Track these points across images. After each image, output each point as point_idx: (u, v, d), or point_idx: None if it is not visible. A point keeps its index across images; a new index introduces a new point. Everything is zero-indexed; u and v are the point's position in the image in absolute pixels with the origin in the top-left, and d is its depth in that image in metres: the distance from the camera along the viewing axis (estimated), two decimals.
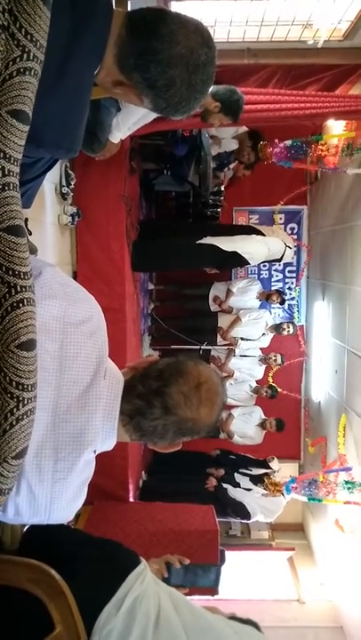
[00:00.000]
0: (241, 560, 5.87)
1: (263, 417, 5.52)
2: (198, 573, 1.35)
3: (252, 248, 4.55)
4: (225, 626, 1.16)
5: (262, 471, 5.31)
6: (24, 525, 1.12)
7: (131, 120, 2.83)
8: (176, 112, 1.00)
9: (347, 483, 4.13)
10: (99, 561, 1.11)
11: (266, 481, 5.04)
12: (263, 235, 4.76)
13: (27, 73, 0.75)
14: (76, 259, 3.81)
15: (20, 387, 0.76)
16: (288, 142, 4.03)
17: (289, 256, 4.97)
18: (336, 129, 4.40)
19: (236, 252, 4.45)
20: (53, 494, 0.87)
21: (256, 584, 5.84)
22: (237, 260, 4.60)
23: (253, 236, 4.68)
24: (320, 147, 4.01)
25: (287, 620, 5.15)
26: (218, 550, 3.83)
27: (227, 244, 4.45)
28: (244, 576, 5.76)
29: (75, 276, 3.79)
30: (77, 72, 0.91)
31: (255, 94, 3.35)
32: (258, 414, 5.54)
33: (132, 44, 0.92)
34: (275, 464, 5.47)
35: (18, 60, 0.74)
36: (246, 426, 5.49)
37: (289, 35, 3.71)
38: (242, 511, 4.80)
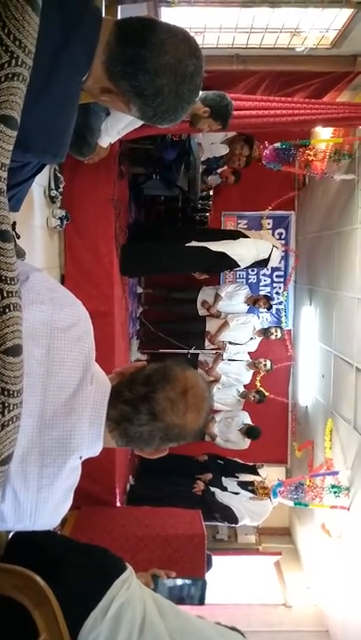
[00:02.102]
0: (228, 564, 5.86)
1: (247, 422, 5.50)
2: (184, 589, 1.36)
3: (241, 250, 4.58)
4: (210, 628, 1.16)
5: (250, 478, 5.31)
6: (9, 531, 1.11)
7: (120, 125, 2.83)
8: (163, 120, 1.01)
9: (333, 487, 4.16)
10: (84, 567, 1.10)
11: (256, 484, 5.05)
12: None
13: (15, 79, 0.74)
14: (64, 262, 3.80)
15: (6, 392, 0.75)
16: (277, 145, 4.06)
17: (277, 257, 4.99)
18: (324, 135, 4.45)
19: (225, 254, 4.48)
20: (39, 500, 0.87)
21: (243, 588, 5.84)
22: (227, 263, 4.63)
23: (241, 239, 4.70)
24: (308, 151, 4.05)
25: (273, 624, 5.16)
26: (205, 555, 3.83)
27: (214, 246, 4.48)
28: (231, 580, 5.76)
29: (63, 280, 3.77)
30: (65, 78, 0.92)
31: (244, 100, 3.38)
32: (241, 419, 5.52)
33: (121, 51, 0.93)
34: (263, 471, 5.48)
35: (6, 65, 0.73)
36: (228, 430, 5.50)
37: (278, 41, 3.74)
38: (229, 515, 4.80)
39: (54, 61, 0.87)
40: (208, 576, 3.88)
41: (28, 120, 0.81)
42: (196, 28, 3.56)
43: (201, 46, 0.98)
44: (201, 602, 1.37)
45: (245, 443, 5.48)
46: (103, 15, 0.97)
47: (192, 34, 0.99)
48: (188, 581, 1.37)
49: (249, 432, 5.35)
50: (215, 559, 4.26)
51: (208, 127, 3.06)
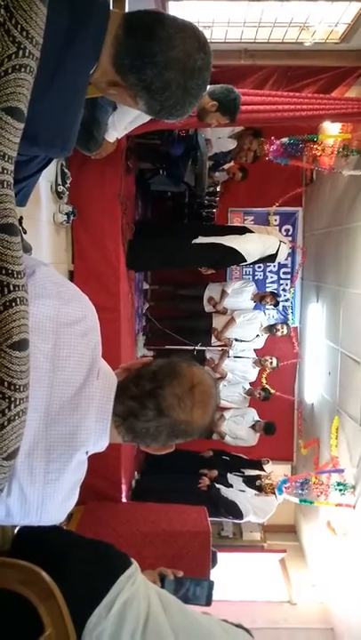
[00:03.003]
0: (233, 561, 5.87)
1: (257, 419, 5.52)
2: (190, 589, 1.35)
3: (248, 245, 4.57)
4: (215, 625, 1.16)
5: (255, 473, 5.31)
6: (15, 526, 1.11)
7: (127, 119, 2.82)
8: (170, 115, 1.00)
9: (339, 484, 4.15)
10: (90, 562, 1.10)
11: (262, 481, 5.04)
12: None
13: (22, 70, 0.74)
14: (71, 257, 3.80)
15: (12, 387, 0.75)
16: (285, 140, 4.04)
17: (284, 252, 4.96)
18: (332, 130, 4.42)
19: (231, 249, 4.47)
20: (45, 495, 0.87)
21: (248, 585, 5.85)
22: (233, 258, 4.61)
23: (247, 234, 4.69)
24: (315, 146, 4.02)
25: (278, 622, 5.16)
26: (210, 552, 3.83)
27: (221, 241, 4.46)
28: (236, 577, 5.77)
29: (71, 275, 3.78)
30: (73, 71, 0.91)
31: (252, 95, 3.36)
32: (251, 416, 5.54)
33: (130, 45, 0.92)
34: (268, 467, 5.47)
35: (13, 56, 0.73)
36: (238, 427, 5.50)
37: (286, 36, 3.71)
38: (235, 511, 4.80)
39: (62, 53, 0.87)
40: (213, 573, 3.89)
41: (36, 112, 0.80)
42: (204, 23, 3.54)
43: (209, 41, 0.98)
44: (208, 603, 1.37)
45: (255, 438, 5.48)
46: (111, 8, 0.96)
47: (200, 28, 0.98)
48: (194, 581, 1.37)
49: (267, 428, 5.36)
50: (220, 556, 4.26)
51: (216, 121, 3.04)
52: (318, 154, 4.06)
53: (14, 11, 0.72)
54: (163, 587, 1.30)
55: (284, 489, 4.36)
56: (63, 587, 0.98)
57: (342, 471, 4.35)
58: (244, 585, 5.82)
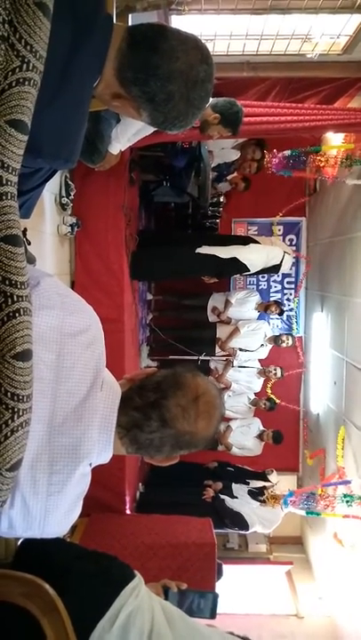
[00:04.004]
0: (238, 574, 5.80)
1: (262, 428, 5.49)
2: (194, 602, 1.34)
3: (251, 255, 4.58)
4: (219, 637, 1.15)
5: (260, 484, 5.27)
6: (18, 538, 1.10)
7: (130, 131, 2.85)
8: (173, 126, 1.01)
9: (345, 496, 4.10)
10: (93, 575, 1.09)
11: (266, 494, 5.00)
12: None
13: (26, 83, 0.75)
14: (74, 269, 3.81)
15: (16, 398, 0.75)
16: (287, 152, 4.06)
17: (288, 263, 4.97)
18: (335, 141, 4.43)
19: (235, 259, 4.48)
20: (48, 508, 0.86)
21: (254, 598, 5.77)
22: (237, 267, 4.62)
23: (251, 244, 4.70)
24: (318, 158, 4.04)
25: (285, 635, 5.09)
26: (215, 564, 3.79)
27: (225, 251, 4.47)
28: (242, 590, 5.70)
29: (72, 286, 3.79)
30: (77, 83, 0.92)
31: (254, 107, 3.38)
32: (256, 426, 5.51)
33: (133, 57, 0.93)
34: (273, 477, 5.43)
35: (17, 70, 0.74)
36: (245, 438, 5.47)
37: (288, 48, 3.74)
38: (240, 522, 4.76)
39: (66, 67, 0.88)
40: (218, 585, 3.84)
41: (40, 125, 0.81)
42: (206, 35, 3.58)
43: (211, 53, 0.99)
44: (212, 615, 1.34)
45: (260, 448, 5.45)
46: (115, 22, 0.97)
47: (203, 41, 0.99)
48: (198, 594, 1.35)
49: (275, 437, 5.32)
50: (226, 568, 4.22)
51: (218, 134, 3.06)
52: (322, 164, 4.07)
53: (18, 25, 0.73)
54: (166, 599, 1.28)
55: (289, 502, 4.31)
56: (66, 599, 0.97)
57: (349, 482, 4.30)
58: (250, 598, 5.75)
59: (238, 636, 1.20)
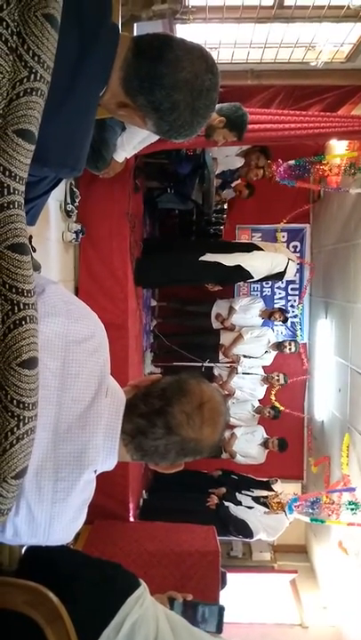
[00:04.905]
0: (242, 582, 5.76)
1: (266, 436, 5.47)
2: (199, 612, 1.32)
3: (255, 262, 4.58)
4: None
5: (265, 493, 5.24)
6: (22, 546, 1.10)
7: (135, 140, 2.86)
8: (178, 135, 1.02)
9: (350, 503, 4.07)
10: (97, 583, 1.09)
11: (270, 499, 4.97)
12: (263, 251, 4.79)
13: (33, 93, 0.76)
14: (79, 275, 3.83)
15: (21, 405, 0.75)
16: (291, 162, 4.07)
17: (292, 269, 4.97)
18: (338, 149, 4.44)
19: (239, 266, 4.48)
20: (53, 515, 0.86)
21: (258, 607, 5.72)
22: (240, 275, 4.62)
23: (255, 251, 4.70)
24: (322, 167, 4.05)
25: None
26: (219, 572, 3.77)
27: (229, 259, 4.48)
28: (246, 599, 5.65)
29: (77, 292, 3.80)
30: (83, 93, 0.93)
31: (258, 114, 3.39)
32: (260, 433, 5.49)
33: (138, 67, 0.94)
34: (277, 486, 5.40)
35: (25, 80, 0.75)
36: (249, 445, 5.44)
37: (292, 56, 3.76)
38: (244, 529, 4.73)
39: (72, 76, 0.89)
40: (222, 593, 3.82)
41: (46, 134, 0.82)
42: (211, 44, 3.60)
43: (216, 61, 0.99)
44: (218, 629, 1.32)
45: (264, 456, 5.42)
46: (120, 31, 0.98)
47: (207, 49, 1.00)
48: (204, 605, 1.33)
49: (280, 445, 5.30)
50: (229, 576, 4.19)
51: (223, 138, 3.07)
52: (325, 174, 4.08)
53: (26, 37, 0.74)
54: (172, 610, 1.27)
55: (294, 508, 4.29)
56: (70, 608, 0.96)
57: (354, 490, 4.27)
58: (254, 607, 5.70)
59: None
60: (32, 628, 0.93)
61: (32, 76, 0.75)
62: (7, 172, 0.75)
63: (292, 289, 6.26)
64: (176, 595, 1.32)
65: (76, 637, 0.94)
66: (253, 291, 6.18)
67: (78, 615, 0.97)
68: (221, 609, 1.35)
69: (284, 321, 5.56)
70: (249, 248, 4.78)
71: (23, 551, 1.11)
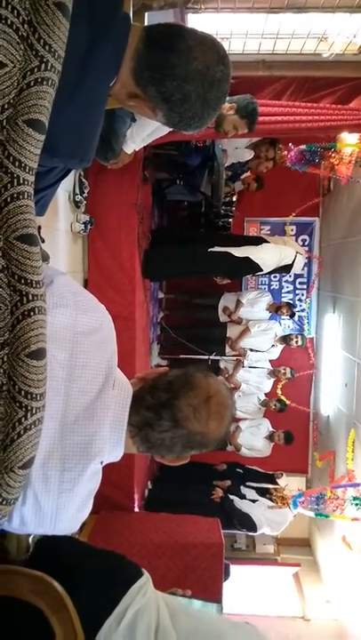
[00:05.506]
0: (245, 574, 5.79)
1: (271, 429, 5.47)
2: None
3: (264, 255, 4.56)
4: (223, 621, 1.16)
5: (269, 486, 5.25)
6: (29, 535, 1.11)
7: (145, 132, 2.84)
8: (189, 127, 1.01)
9: (355, 499, 4.07)
10: (101, 573, 1.10)
11: (274, 493, 4.98)
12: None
13: (44, 83, 0.75)
14: (87, 266, 3.83)
15: (29, 396, 0.75)
16: (303, 147, 4.04)
17: (300, 263, 4.94)
18: (350, 140, 4.39)
19: (247, 258, 4.46)
20: (59, 505, 0.87)
21: (260, 599, 5.76)
22: (249, 267, 4.60)
23: (264, 244, 4.68)
24: (333, 155, 4.01)
25: (291, 638, 5.07)
26: (222, 564, 3.79)
27: (238, 251, 4.46)
28: (249, 591, 5.69)
29: (86, 284, 3.80)
30: (94, 83, 0.92)
31: (270, 106, 3.36)
32: (266, 427, 5.49)
33: (149, 57, 0.93)
34: (282, 481, 5.41)
35: (36, 70, 0.74)
36: (254, 438, 5.45)
37: (304, 47, 3.71)
38: (248, 523, 4.75)
39: (83, 66, 0.88)
40: (225, 585, 3.83)
41: (57, 124, 0.81)
42: (222, 34, 3.56)
43: (227, 52, 0.98)
44: None
45: (269, 449, 5.43)
46: (132, 21, 0.97)
47: (218, 40, 0.99)
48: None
49: (286, 438, 5.31)
50: (233, 568, 4.21)
51: (233, 128, 3.03)
52: (336, 162, 4.04)
53: (37, 25, 0.73)
54: None
55: (298, 503, 4.29)
56: (75, 597, 0.97)
57: (358, 485, 4.27)
58: (257, 599, 5.73)
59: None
60: (38, 615, 0.94)
61: (43, 65, 0.74)
62: (17, 163, 0.74)
63: (300, 283, 6.23)
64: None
65: (80, 626, 0.96)
66: (261, 284, 6.16)
67: (82, 604, 0.98)
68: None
69: (292, 315, 5.54)
70: (257, 241, 4.76)
71: (30, 540, 1.12)
